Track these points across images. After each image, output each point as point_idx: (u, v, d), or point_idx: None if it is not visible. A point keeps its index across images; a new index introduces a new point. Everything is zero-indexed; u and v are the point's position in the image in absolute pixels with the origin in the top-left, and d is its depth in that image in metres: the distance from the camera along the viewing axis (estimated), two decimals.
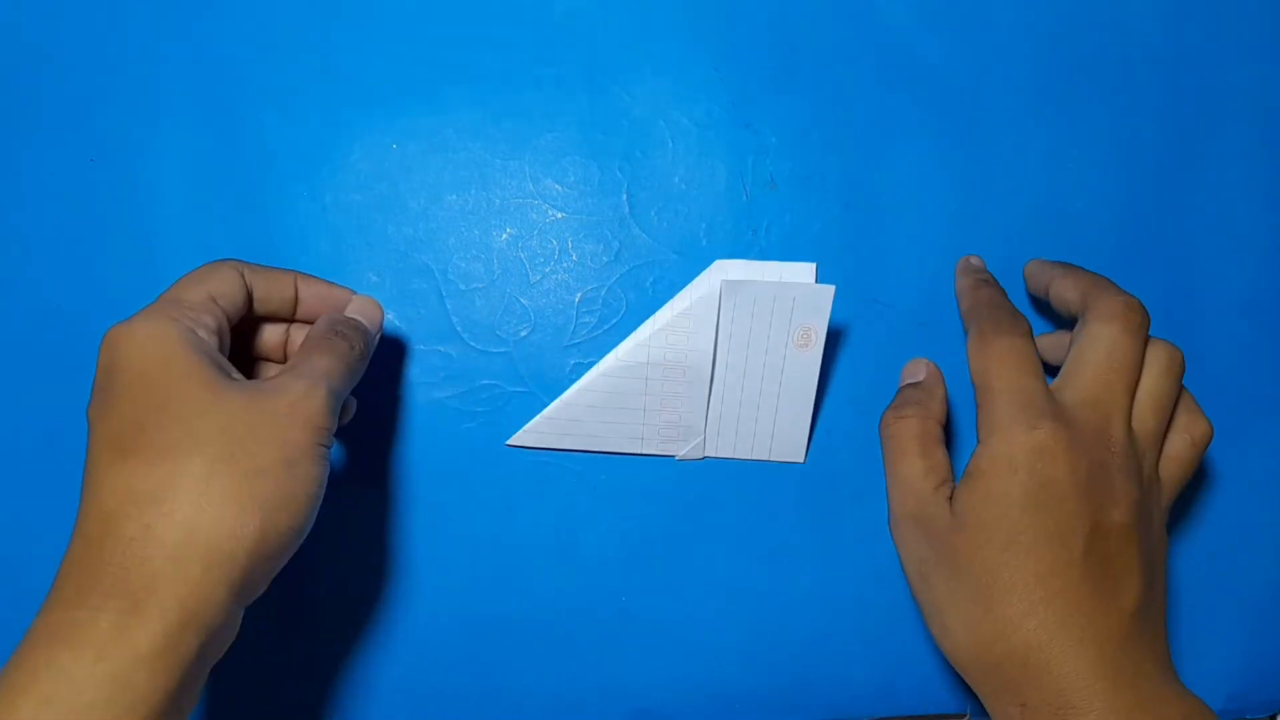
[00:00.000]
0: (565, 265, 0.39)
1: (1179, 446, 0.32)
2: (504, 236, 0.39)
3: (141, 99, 0.38)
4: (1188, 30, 0.40)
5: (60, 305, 0.38)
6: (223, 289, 0.30)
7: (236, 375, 0.29)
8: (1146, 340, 0.32)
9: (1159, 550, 0.31)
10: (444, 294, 0.38)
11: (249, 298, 0.31)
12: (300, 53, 0.39)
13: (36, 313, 0.38)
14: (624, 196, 0.39)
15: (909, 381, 0.36)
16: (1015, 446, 0.29)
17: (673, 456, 0.38)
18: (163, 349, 0.27)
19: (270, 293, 0.32)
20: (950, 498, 0.31)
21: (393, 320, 0.38)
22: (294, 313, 0.33)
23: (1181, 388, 0.33)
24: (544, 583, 0.38)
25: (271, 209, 0.38)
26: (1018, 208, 0.39)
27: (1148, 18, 0.40)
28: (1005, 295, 0.35)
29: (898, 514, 0.33)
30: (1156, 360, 0.32)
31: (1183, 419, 0.33)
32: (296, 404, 0.28)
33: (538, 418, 0.38)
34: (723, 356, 0.36)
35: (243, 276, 0.31)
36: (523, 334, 0.39)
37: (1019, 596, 0.28)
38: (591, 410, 0.37)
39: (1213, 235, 0.40)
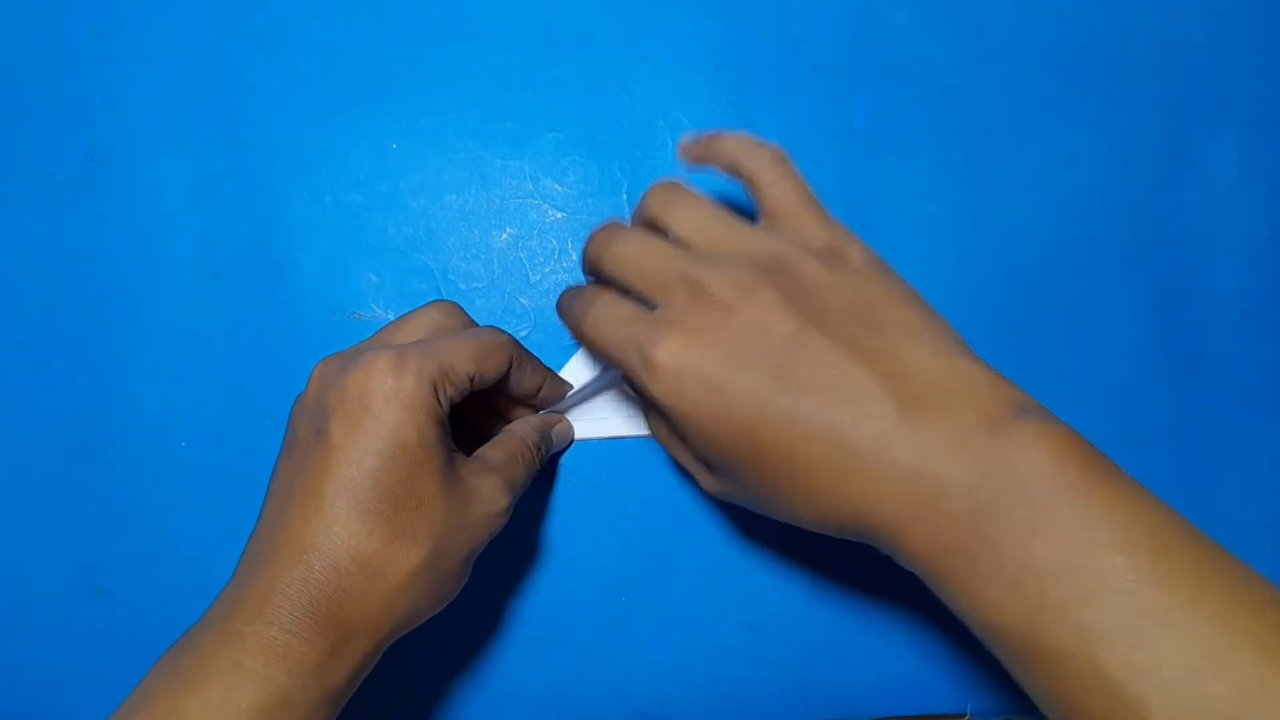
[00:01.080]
0: (565, 265, 0.39)
1: (762, 195, 0.29)
2: (504, 236, 0.39)
3: (141, 99, 0.38)
4: (1187, 30, 0.40)
5: (60, 305, 0.38)
6: (489, 373, 0.30)
7: (455, 451, 0.30)
8: (618, 230, 0.29)
9: (870, 295, 0.27)
10: (444, 294, 0.38)
11: (504, 379, 0.31)
12: (300, 52, 0.39)
13: (37, 313, 0.38)
14: (624, 196, 0.39)
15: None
16: (657, 385, 0.26)
17: None
18: (423, 427, 0.27)
19: (522, 382, 0.33)
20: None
21: (393, 321, 0.38)
22: (523, 398, 0.34)
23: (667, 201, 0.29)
24: (544, 582, 0.38)
25: (271, 209, 0.38)
26: (1018, 208, 0.39)
27: (1147, 18, 0.40)
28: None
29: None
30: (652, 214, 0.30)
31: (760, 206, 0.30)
32: (494, 517, 0.30)
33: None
34: None
35: (511, 364, 0.31)
36: (523, 334, 0.39)
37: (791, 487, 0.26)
38: (586, 400, 0.37)
39: (1213, 235, 0.40)
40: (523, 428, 0.34)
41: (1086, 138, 0.40)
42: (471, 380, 0.29)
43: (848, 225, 0.30)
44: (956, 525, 0.24)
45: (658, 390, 0.26)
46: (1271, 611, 0.22)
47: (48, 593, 0.38)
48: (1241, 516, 0.40)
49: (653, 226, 0.30)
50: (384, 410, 0.27)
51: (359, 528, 0.27)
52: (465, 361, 0.29)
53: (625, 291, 0.29)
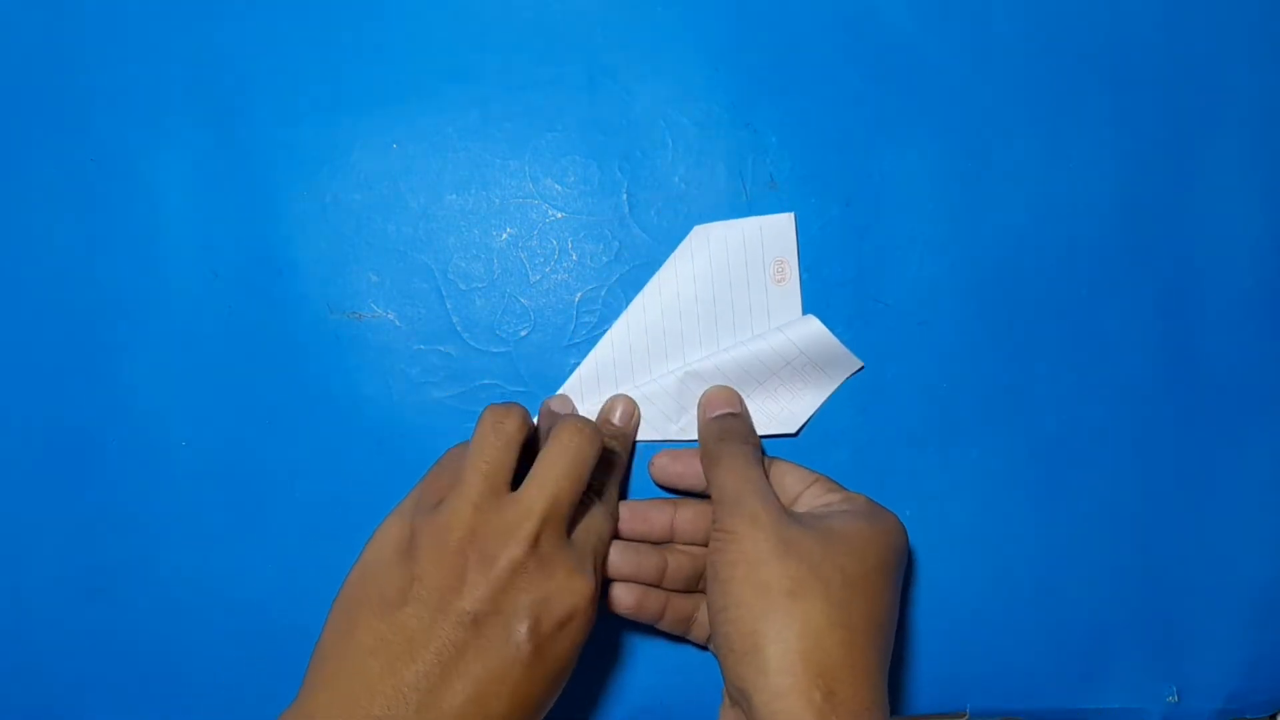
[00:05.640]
0: (565, 265, 0.39)
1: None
2: (504, 236, 0.39)
3: (142, 99, 0.38)
4: (1188, 30, 0.40)
5: (60, 305, 0.38)
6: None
7: None
8: None
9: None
10: (444, 294, 0.38)
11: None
12: (301, 52, 0.39)
13: (37, 313, 0.38)
14: (624, 196, 0.39)
15: (726, 411, 0.36)
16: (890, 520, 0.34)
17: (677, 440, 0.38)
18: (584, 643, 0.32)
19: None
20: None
21: (393, 320, 0.38)
22: None
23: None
24: None
25: (271, 209, 0.38)
26: (1018, 207, 0.39)
27: (1148, 17, 0.40)
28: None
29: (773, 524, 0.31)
30: None
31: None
32: None
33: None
34: (706, 304, 0.37)
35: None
36: (523, 334, 0.39)
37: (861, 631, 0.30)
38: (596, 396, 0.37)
39: (1213, 234, 0.40)
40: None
41: (1087, 137, 0.40)
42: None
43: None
44: None
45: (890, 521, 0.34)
46: None
47: (48, 593, 0.38)
48: (1241, 516, 0.40)
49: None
50: (578, 635, 0.31)
51: None
52: (588, 553, 0.32)
53: None
